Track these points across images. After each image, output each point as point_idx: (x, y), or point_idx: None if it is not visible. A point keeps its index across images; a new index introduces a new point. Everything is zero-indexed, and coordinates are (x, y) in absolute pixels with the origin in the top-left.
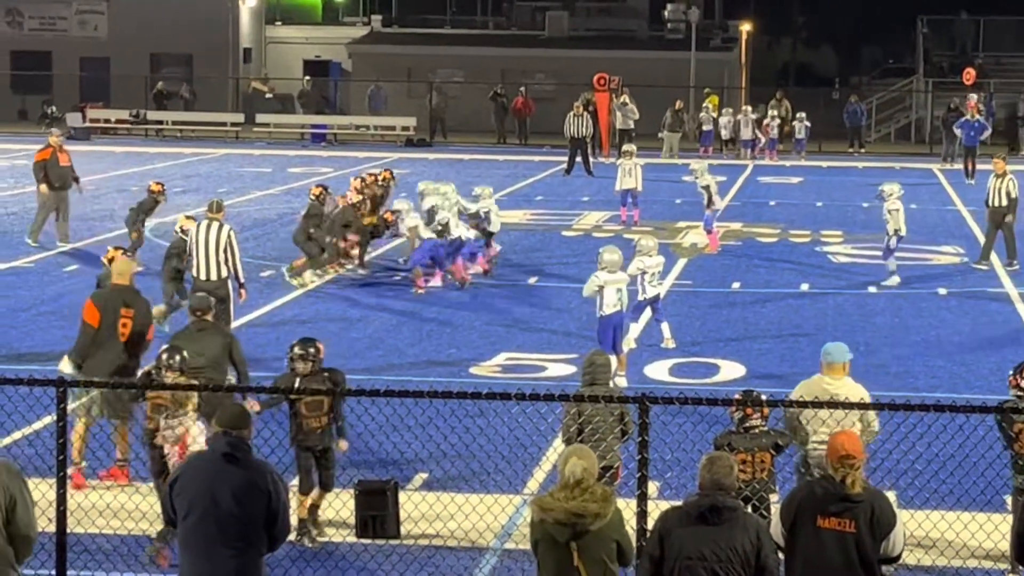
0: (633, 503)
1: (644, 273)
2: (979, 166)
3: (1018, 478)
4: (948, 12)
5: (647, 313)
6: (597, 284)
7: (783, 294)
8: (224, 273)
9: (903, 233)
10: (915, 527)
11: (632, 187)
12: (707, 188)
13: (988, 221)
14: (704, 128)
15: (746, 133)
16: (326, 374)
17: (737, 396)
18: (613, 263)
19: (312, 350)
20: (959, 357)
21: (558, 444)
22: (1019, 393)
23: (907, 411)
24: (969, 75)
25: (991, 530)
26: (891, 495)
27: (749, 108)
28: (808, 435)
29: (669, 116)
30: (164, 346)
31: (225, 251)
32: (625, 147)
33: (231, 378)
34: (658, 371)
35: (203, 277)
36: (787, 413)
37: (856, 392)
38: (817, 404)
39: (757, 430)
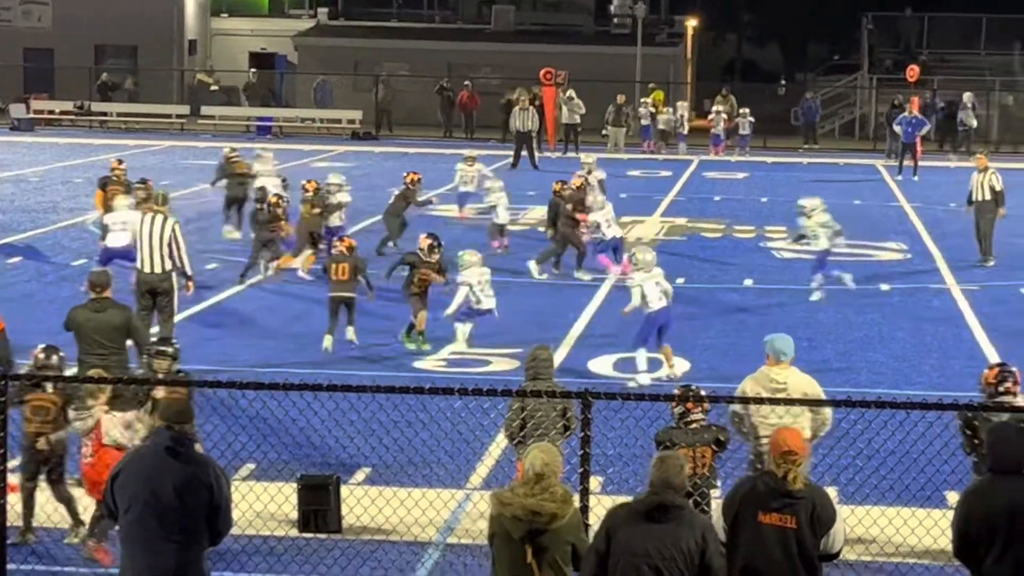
0: (576, 498)
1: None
2: (960, 163)
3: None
4: (893, 9)
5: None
6: (638, 287)
7: (727, 289)
8: (168, 266)
9: (832, 249)
10: (855, 523)
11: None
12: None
13: (975, 217)
14: (643, 123)
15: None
16: None
17: (677, 391)
18: (647, 263)
19: None
20: (901, 353)
21: (501, 439)
22: (1005, 400)
23: (864, 408)
24: (913, 72)
25: (931, 526)
26: (832, 491)
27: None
28: (754, 429)
29: (612, 111)
30: (41, 345)
31: (169, 244)
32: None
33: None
34: (602, 366)
35: (147, 270)
36: (731, 409)
37: (804, 382)
38: (758, 400)
39: (698, 425)
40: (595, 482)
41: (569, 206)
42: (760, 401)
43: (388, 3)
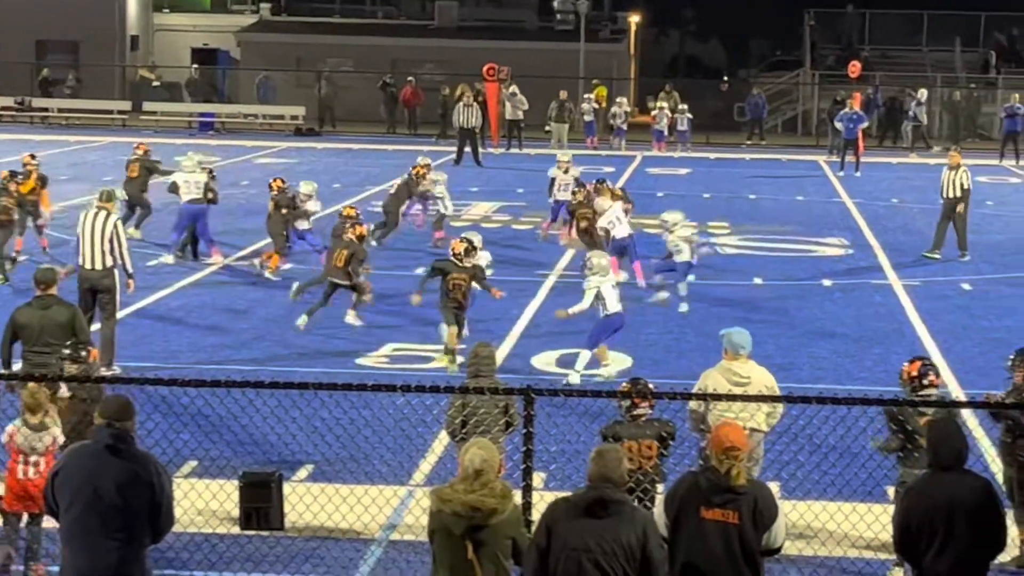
0: (518, 495)
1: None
2: (934, 160)
3: (903, 469)
4: (835, 6)
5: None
6: (593, 289)
7: (669, 285)
8: (109, 262)
9: (694, 262)
10: (797, 518)
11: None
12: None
13: (943, 213)
14: (586, 119)
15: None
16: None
17: (624, 386)
18: (603, 267)
19: None
20: (843, 348)
21: (444, 435)
22: (928, 393)
23: (806, 403)
24: (855, 68)
25: (871, 520)
26: (774, 486)
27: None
28: (712, 425)
29: (555, 107)
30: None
31: (111, 240)
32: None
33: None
34: (545, 361)
35: (88, 266)
36: (689, 405)
37: (764, 376)
38: (700, 396)
39: (644, 419)
40: (538, 478)
41: (583, 223)
42: (702, 397)
43: None
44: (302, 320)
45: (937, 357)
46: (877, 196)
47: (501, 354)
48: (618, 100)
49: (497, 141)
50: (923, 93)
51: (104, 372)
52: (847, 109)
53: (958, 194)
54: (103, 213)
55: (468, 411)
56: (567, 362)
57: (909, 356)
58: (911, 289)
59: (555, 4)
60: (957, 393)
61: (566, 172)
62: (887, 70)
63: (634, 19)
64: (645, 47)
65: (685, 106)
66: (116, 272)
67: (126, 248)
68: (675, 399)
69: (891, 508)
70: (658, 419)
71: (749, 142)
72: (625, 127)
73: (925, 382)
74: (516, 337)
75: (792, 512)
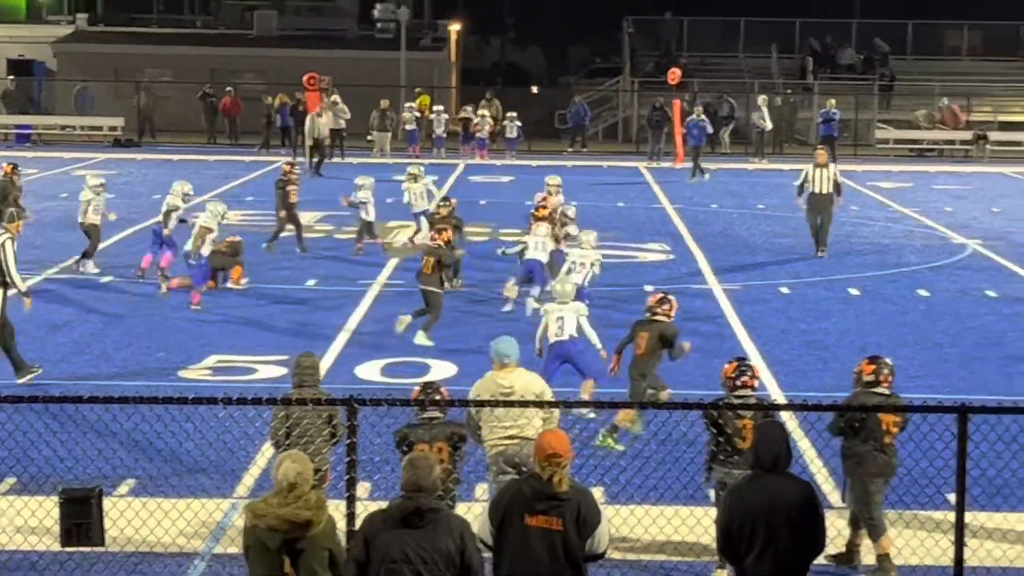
0: (343, 505)
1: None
2: (758, 166)
3: (720, 471)
4: (653, 13)
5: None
6: (544, 313)
7: (495, 293)
8: None
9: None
10: (620, 523)
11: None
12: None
13: (807, 211)
14: (408, 128)
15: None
16: None
17: (416, 390)
18: (566, 293)
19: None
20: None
21: (268, 447)
22: (744, 393)
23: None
24: (674, 75)
25: (694, 524)
26: (597, 492)
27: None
28: (481, 432)
29: (377, 116)
30: None
31: None
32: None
33: None
34: (369, 371)
35: None
36: (467, 412)
37: (531, 383)
38: (533, 404)
39: (436, 422)
40: (363, 488)
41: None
42: (532, 404)
43: (149, 8)
44: (403, 322)
45: (758, 360)
46: (697, 202)
47: (325, 364)
48: (436, 108)
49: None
50: (763, 99)
51: None
52: (694, 116)
53: (829, 190)
54: None
55: (292, 422)
56: (393, 371)
57: (729, 360)
58: (731, 293)
59: (376, 13)
60: (777, 395)
61: (416, 182)
62: (705, 77)
63: (455, 27)
64: (466, 55)
65: (514, 114)
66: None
67: (13, 266)
68: (466, 406)
69: (713, 511)
70: (449, 421)
71: (571, 149)
72: (445, 135)
73: (739, 383)
74: (340, 347)
75: (615, 517)
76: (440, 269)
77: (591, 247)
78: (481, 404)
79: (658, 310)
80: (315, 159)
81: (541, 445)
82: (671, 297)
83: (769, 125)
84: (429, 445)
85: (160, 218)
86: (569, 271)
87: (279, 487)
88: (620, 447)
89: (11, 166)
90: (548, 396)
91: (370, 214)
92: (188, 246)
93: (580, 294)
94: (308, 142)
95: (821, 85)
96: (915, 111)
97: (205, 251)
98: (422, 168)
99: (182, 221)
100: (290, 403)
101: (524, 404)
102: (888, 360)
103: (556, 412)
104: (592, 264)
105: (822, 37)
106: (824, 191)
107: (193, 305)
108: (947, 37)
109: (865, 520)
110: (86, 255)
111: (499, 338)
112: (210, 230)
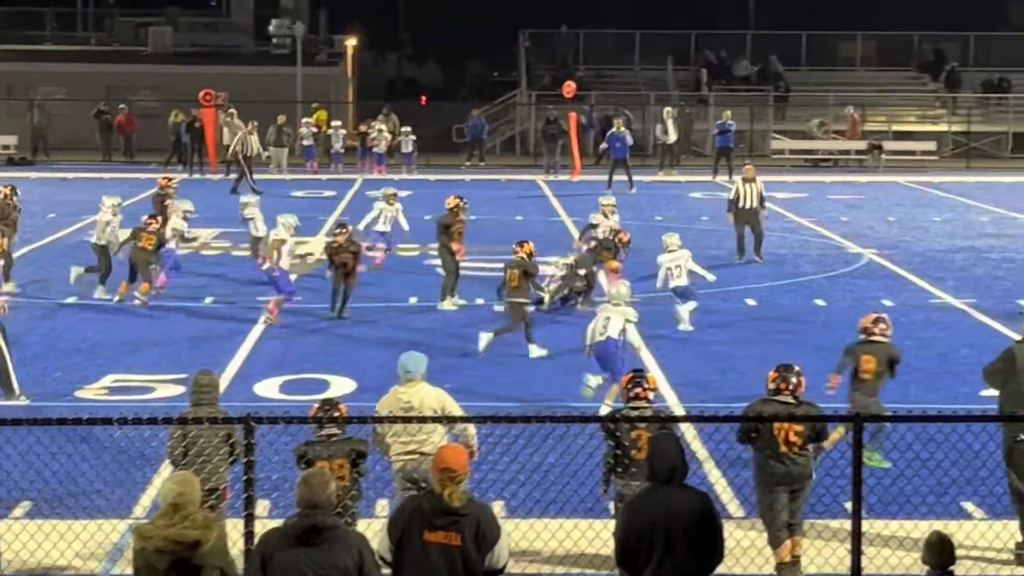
0: (242, 524)
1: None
2: (666, 178)
3: (619, 483)
4: (549, 26)
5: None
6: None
7: (393, 308)
8: None
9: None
10: (520, 537)
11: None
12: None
13: (735, 222)
14: (305, 143)
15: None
16: None
17: (315, 407)
18: (621, 296)
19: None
20: (571, 365)
21: (166, 467)
22: (639, 404)
23: (525, 423)
24: (570, 88)
25: (593, 536)
26: (497, 506)
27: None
28: (387, 447)
29: (274, 132)
30: None
31: None
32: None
33: None
34: (268, 389)
35: None
36: (373, 427)
37: (433, 397)
38: (429, 419)
39: (335, 439)
40: (262, 507)
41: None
42: (425, 419)
43: (42, 25)
44: (486, 340)
45: (656, 371)
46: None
47: (224, 382)
48: (334, 124)
49: (215, 167)
50: (668, 111)
51: None
52: (615, 129)
53: (755, 204)
54: None
55: (188, 441)
56: (291, 388)
57: (628, 371)
58: (631, 306)
59: (271, 28)
60: (676, 407)
61: (390, 204)
62: (601, 89)
63: (351, 42)
64: (363, 70)
65: (408, 128)
66: None
67: None
68: (363, 423)
69: (612, 523)
70: (349, 438)
71: (469, 163)
72: (343, 150)
73: (631, 394)
74: (239, 365)
75: (515, 531)
76: (527, 280)
77: (678, 247)
78: (379, 420)
79: (875, 330)
80: (238, 174)
81: (437, 460)
82: (885, 316)
83: (672, 138)
84: (328, 462)
85: (95, 234)
86: (666, 277)
87: (164, 508)
88: (886, 464)
89: (9, 187)
90: (452, 411)
91: (259, 230)
92: (263, 264)
93: (688, 292)
94: (240, 156)
95: (716, 97)
96: (809, 121)
97: (284, 264)
98: (396, 192)
99: (185, 240)
100: (186, 422)
101: (423, 420)
102: (797, 368)
103: (471, 427)
104: (686, 261)
105: (717, 49)
106: (751, 205)
107: (270, 317)
108: (841, 48)
109: (765, 525)
110: (101, 278)
111: (406, 353)
112: (283, 242)
